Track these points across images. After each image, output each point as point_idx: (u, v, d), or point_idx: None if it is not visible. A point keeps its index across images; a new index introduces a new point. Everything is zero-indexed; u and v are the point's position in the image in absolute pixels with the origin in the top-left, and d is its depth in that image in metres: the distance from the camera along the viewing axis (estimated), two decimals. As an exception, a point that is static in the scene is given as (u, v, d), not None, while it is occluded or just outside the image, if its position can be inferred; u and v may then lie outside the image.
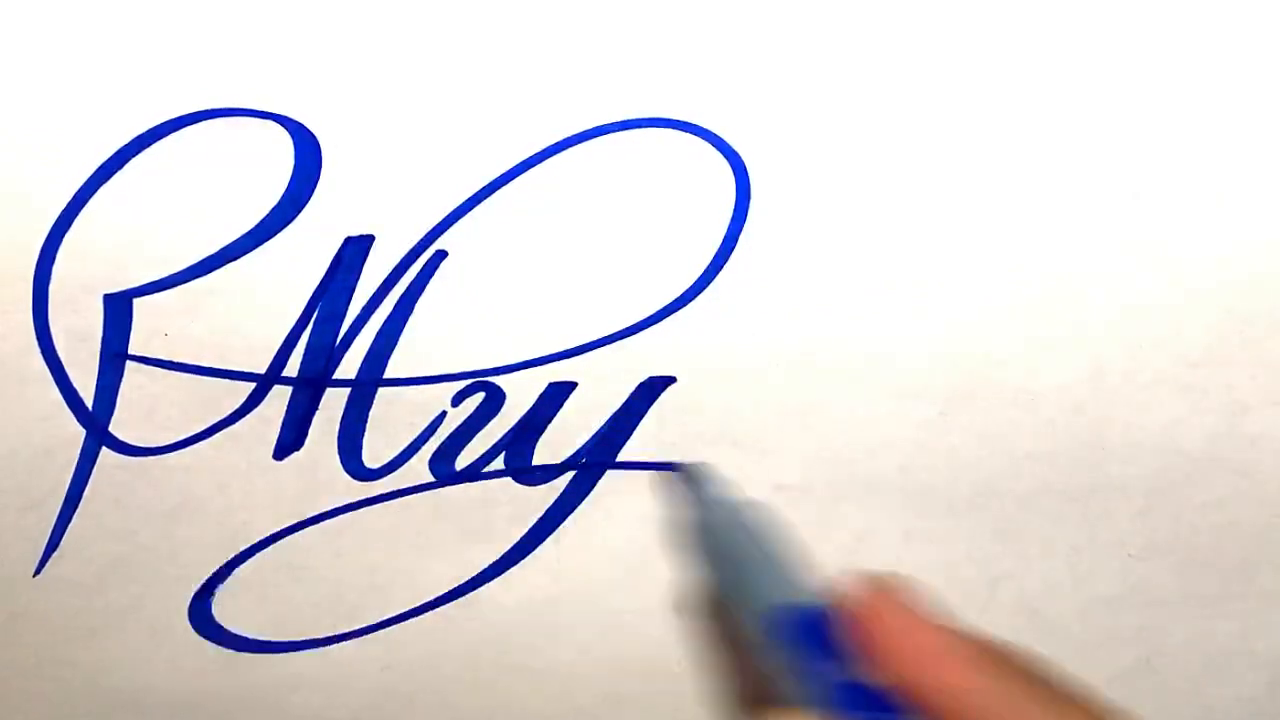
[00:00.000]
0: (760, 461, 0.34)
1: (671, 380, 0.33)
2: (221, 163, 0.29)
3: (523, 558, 0.35)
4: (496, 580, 0.36)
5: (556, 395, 0.33)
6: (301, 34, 0.28)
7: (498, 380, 0.33)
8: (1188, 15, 0.28)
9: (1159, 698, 0.38)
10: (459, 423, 0.33)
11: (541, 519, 0.35)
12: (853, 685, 0.25)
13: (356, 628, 0.36)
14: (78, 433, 0.32)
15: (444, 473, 0.34)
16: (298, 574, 0.35)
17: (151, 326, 0.31)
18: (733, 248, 0.31)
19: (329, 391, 0.32)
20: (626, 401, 0.33)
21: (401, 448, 0.34)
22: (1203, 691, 0.38)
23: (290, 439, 0.33)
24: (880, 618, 0.25)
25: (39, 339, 0.31)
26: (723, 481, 0.32)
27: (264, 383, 0.32)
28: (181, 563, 0.35)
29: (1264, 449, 0.34)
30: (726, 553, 0.29)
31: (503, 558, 0.35)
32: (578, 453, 0.34)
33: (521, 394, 0.33)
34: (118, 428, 0.32)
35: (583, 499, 0.34)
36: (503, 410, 0.33)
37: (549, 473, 0.34)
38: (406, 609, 0.36)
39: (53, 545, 0.34)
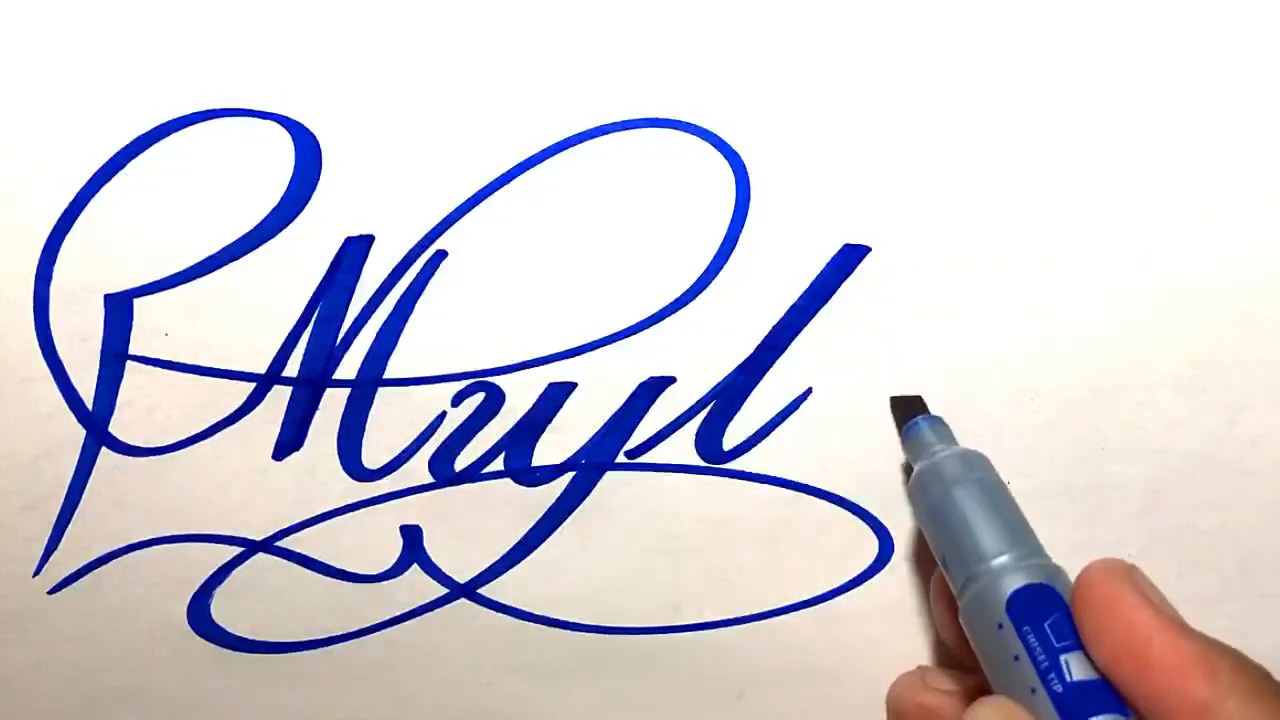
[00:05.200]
0: (760, 461, 0.34)
1: (671, 380, 0.33)
2: (221, 163, 0.29)
3: (523, 558, 0.35)
4: (497, 580, 0.36)
5: (556, 395, 0.33)
6: (301, 34, 0.28)
7: (498, 380, 0.33)
8: (1187, 17, 0.28)
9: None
10: (459, 423, 0.33)
11: (541, 519, 0.35)
12: (1056, 677, 0.25)
13: (356, 628, 0.36)
14: (78, 433, 0.32)
15: (444, 473, 0.34)
16: (297, 574, 0.35)
17: (151, 326, 0.31)
18: (733, 248, 0.31)
19: (329, 391, 0.32)
20: (626, 401, 0.33)
21: (401, 448, 0.34)
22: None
23: (290, 439, 0.33)
24: (1114, 606, 0.25)
25: (39, 339, 0.31)
26: (941, 426, 0.32)
27: (264, 383, 0.32)
28: (181, 562, 0.35)
29: (1264, 449, 0.34)
30: (943, 508, 0.29)
31: (503, 558, 0.35)
32: (578, 453, 0.34)
33: (521, 394, 0.33)
34: (118, 428, 0.32)
35: (583, 499, 0.34)
36: (503, 410, 0.33)
37: (549, 473, 0.34)
38: (406, 609, 0.36)
39: (53, 545, 0.34)
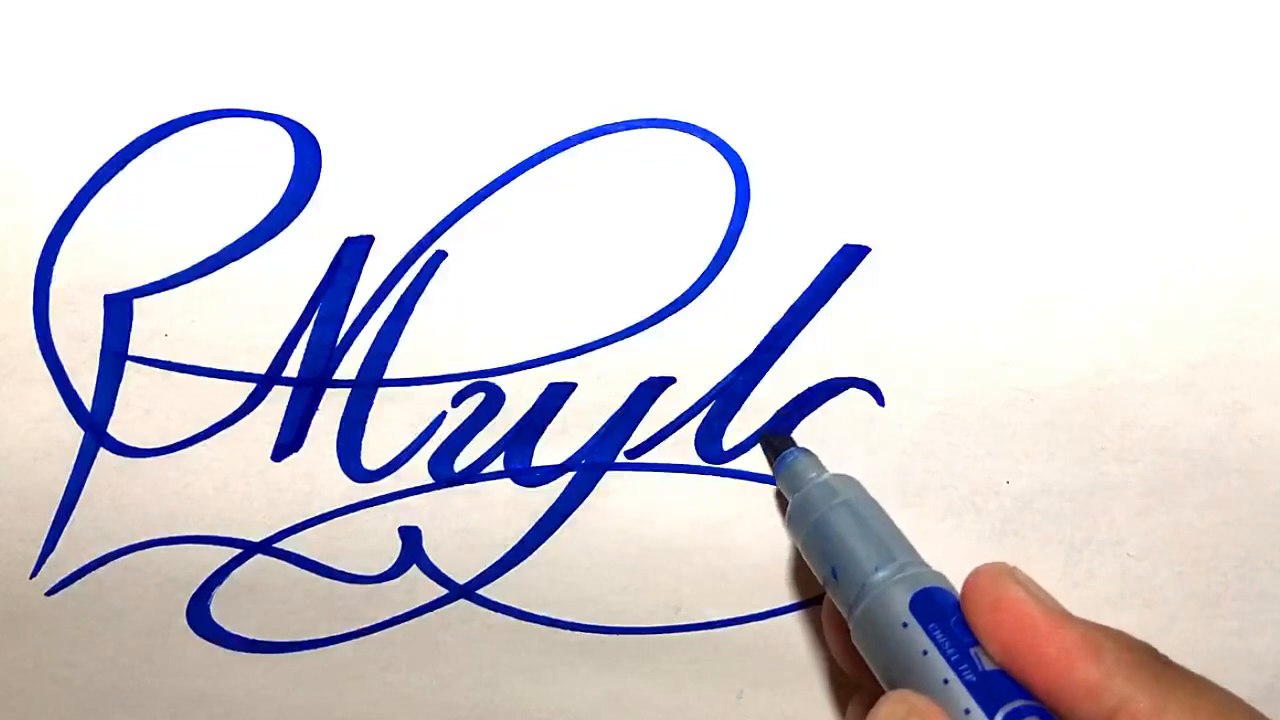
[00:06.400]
0: (760, 461, 0.34)
1: (671, 380, 0.33)
2: (221, 163, 0.29)
3: (523, 558, 0.35)
4: (497, 580, 0.36)
5: (556, 395, 0.33)
6: (301, 34, 0.28)
7: (498, 380, 0.33)
8: (1188, 16, 0.28)
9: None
10: (459, 423, 0.33)
11: (541, 519, 0.35)
12: (968, 667, 0.25)
13: (356, 628, 0.36)
14: (77, 433, 0.32)
15: (444, 473, 0.34)
16: (297, 575, 0.35)
17: (151, 326, 0.31)
18: (733, 248, 0.31)
19: (329, 392, 0.32)
20: (626, 401, 0.33)
21: (401, 448, 0.34)
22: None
23: (290, 439, 0.33)
24: (1001, 602, 0.26)
25: (39, 339, 0.31)
26: (810, 457, 0.32)
27: (264, 383, 0.32)
28: (180, 563, 0.35)
29: (1264, 449, 0.34)
30: (826, 530, 0.30)
31: (503, 558, 0.35)
32: (578, 453, 0.34)
33: (521, 394, 0.33)
34: (117, 428, 0.32)
35: (583, 499, 0.34)
36: (503, 410, 0.33)
37: (549, 473, 0.34)
38: (406, 609, 0.36)
39: (51, 545, 0.34)
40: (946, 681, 0.25)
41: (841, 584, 0.29)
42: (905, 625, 0.27)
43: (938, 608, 0.27)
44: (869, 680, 0.29)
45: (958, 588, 0.27)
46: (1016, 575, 0.27)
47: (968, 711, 0.25)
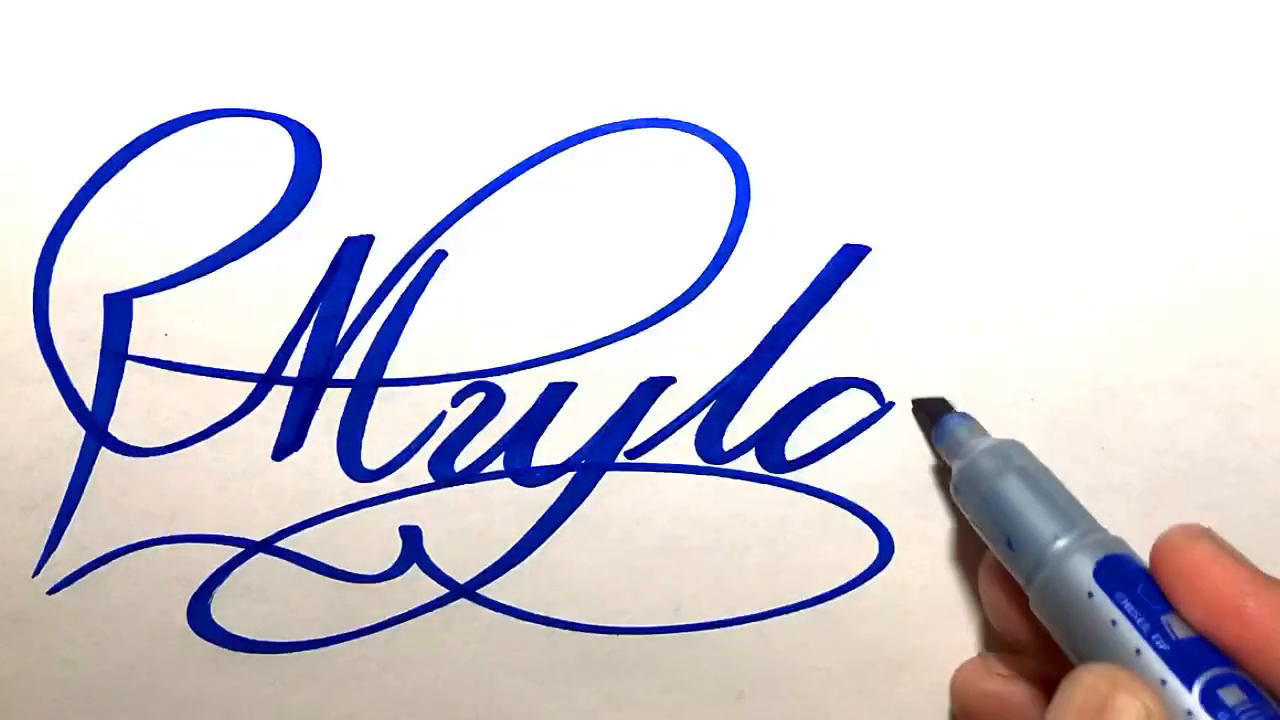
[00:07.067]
0: (759, 462, 0.34)
1: (671, 380, 0.33)
2: (221, 163, 0.29)
3: (523, 558, 0.35)
4: (497, 580, 0.36)
5: (556, 395, 0.33)
6: (301, 34, 0.28)
7: (498, 380, 0.33)
8: (1188, 16, 0.28)
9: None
10: (459, 423, 0.33)
11: (541, 519, 0.35)
12: (1160, 636, 0.25)
13: (356, 628, 0.36)
14: (78, 433, 0.32)
15: (444, 473, 0.34)
16: (297, 574, 0.35)
17: (151, 326, 0.31)
18: (733, 248, 0.31)
19: (329, 391, 0.32)
20: (626, 401, 0.33)
21: (401, 448, 0.34)
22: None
23: (290, 439, 0.33)
24: (1198, 565, 0.25)
25: (39, 339, 0.31)
26: (971, 422, 0.32)
27: (264, 383, 0.32)
28: (181, 563, 0.35)
29: (1264, 449, 0.34)
30: (999, 498, 0.29)
31: (503, 558, 0.35)
32: (578, 453, 0.34)
33: (521, 394, 0.33)
34: (118, 428, 0.32)
35: (583, 499, 0.34)
36: (503, 410, 0.33)
37: (549, 473, 0.34)
38: (406, 609, 0.36)
39: (52, 545, 0.34)
40: (1139, 652, 0.25)
41: (1019, 553, 0.28)
42: (1091, 595, 0.26)
43: (1124, 575, 0.26)
44: (1030, 646, 0.28)
45: (1142, 555, 0.27)
46: (1211, 536, 0.26)
47: (1164, 682, 0.24)
